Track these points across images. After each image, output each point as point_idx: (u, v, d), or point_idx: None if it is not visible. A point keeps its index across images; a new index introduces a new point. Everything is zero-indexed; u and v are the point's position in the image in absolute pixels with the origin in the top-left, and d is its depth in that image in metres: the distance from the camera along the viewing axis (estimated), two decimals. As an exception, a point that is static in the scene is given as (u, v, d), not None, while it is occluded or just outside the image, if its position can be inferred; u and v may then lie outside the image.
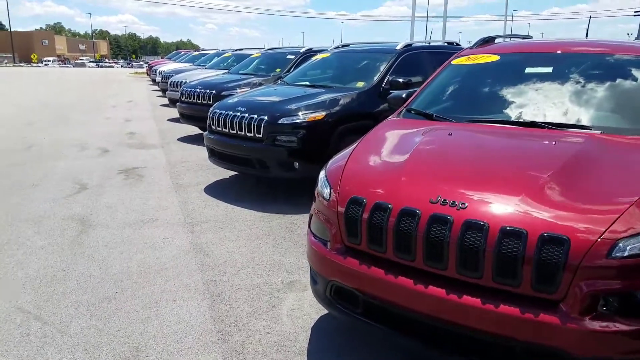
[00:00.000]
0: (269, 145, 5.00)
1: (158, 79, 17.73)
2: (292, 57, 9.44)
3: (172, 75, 13.24)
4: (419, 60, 6.13)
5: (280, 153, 4.96)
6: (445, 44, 7.01)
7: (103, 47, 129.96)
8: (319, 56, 6.83)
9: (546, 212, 1.90)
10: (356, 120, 5.27)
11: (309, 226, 2.68)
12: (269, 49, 11.25)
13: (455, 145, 2.72)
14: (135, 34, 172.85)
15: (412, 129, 3.06)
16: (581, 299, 1.76)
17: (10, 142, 8.90)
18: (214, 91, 8.75)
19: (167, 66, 18.74)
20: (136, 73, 42.24)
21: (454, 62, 3.71)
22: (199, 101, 8.96)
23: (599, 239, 1.77)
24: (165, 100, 14.23)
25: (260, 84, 8.68)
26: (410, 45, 6.21)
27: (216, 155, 5.69)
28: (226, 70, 11.02)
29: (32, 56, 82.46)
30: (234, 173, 6.37)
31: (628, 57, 3.14)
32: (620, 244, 1.75)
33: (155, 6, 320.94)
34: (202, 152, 7.97)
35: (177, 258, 3.81)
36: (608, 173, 2.18)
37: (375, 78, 5.60)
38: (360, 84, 5.67)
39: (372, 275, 2.15)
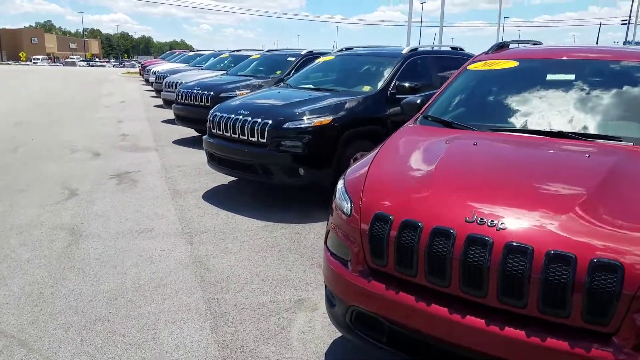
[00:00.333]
0: (272, 151, 4.75)
1: (152, 79, 17.39)
2: (293, 59, 9.18)
3: (167, 76, 12.93)
4: (424, 65, 5.94)
5: (285, 159, 4.70)
6: (450, 49, 6.82)
7: (94, 46, 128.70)
8: (323, 59, 6.60)
9: (595, 234, 1.72)
10: (363, 125, 5.04)
11: (325, 242, 2.44)
12: (268, 50, 10.99)
13: (484, 157, 2.52)
14: (127, 34, 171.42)
15: (433, 137, 2.87)
16: (636, 333, 1.58)
17: (-3, 143, 8.56)
18: (212, 93, 8.46)
19: (161, 66, 18.41)
20: (128, 73, 41.75)
21: (470, 67, 3.51)
22: (196, 103, 8.67)
23: None
24: (159, 101, 13.94)
25: (260, 86, 8.43)
26: (416, 49, 6.01)
27: (216, 160, 5.42)
28: (224, 72, 10.74)
29: (20, 54, 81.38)
30: (233, 178, 6.10)
31: None
32: None
33: (150, 6, 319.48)
34: (198, 155, 7.70)
35: (176, 273, 3.54)
36: None
37: (382, 82, 5.38)
38: (366, 88, 5.44)
39: (401, 302, 1.93)
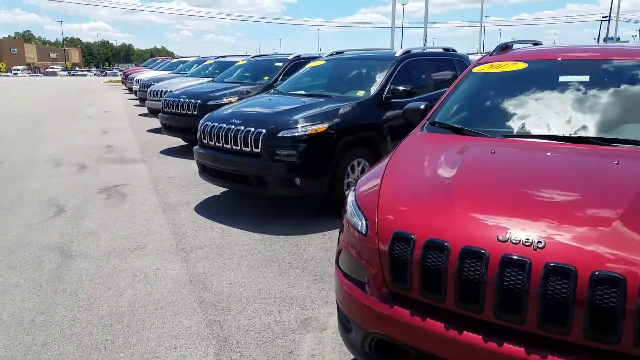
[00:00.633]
0: (267, 161, 4.61)
1: (135, 87, 17.11)
2: (280, 64, 9.08)
3: (152, 84, 12.71)
4: (418, 67, 5.86)
5: (280, 169, 4.57)
6: (443, 50, 6.75)
7: (75, 55, 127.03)
8: (313, 64, 6.48)
9: None
10: (359, 132, 4.94)
11: (337, 262, 2.30)
12: (255, 56, 10.84)
13: (505, 166, 2.36)
14: (107, 42, 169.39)
15: (444, 145, 2.74)
16: None
17: (-22, 159, 8.29)
18: (199, 101, 8.31)
19: (144, 74, 18.13)
20: (110, 82, 41.18)
21: (476, 70, 3.40)
22: (183, 111, 8.52)
23: None
24: (144, 110, 13.70)
25: (248, 93, 8.31)
26: (409, 51, 5.93)
27: (208, 172, 5.27)
28: (210, 79, 10.57)
29: (0, 65, 79.99)
30: (225, 189, 5.95)
31: None
32: None
33: (130, 14, 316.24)
34: (188, 166, 7.54)
35: (173, 293, 3.39)
36: None
37: (376, 86, 5.28)
38: (360, 93, 5.33)
39: (429, 330, 1.78)
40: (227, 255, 4.05)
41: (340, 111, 4.88)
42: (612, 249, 1.61)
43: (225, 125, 4.99)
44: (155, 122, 10.58)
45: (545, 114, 2.80)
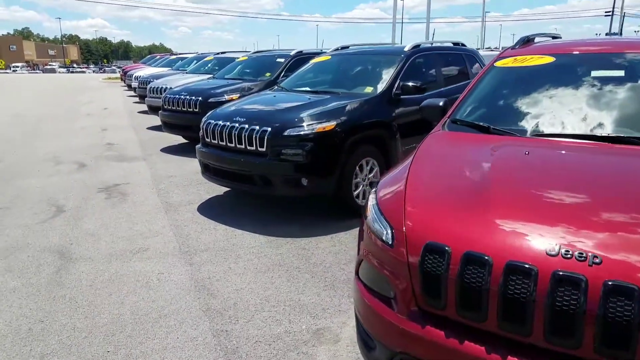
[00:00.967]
0: (272, 160, 4.45)
1: (134, 84, 16.92)
2: (282, 60, 8.90)
3: (151, 81, 12.53)
4: (428, 62, 5.69)
5: (286, 168, 4.41)
6: (452, 45, 6.57)
7: (73, 52, 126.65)
8: (318, 59, 6.30)
9: None
10: (368, 130, 4.77)
11: (357, 272, 2.12)
12: (255, 51, 10.66)
13: (543, 170, 2.14)
14: (106, 38, 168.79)
15: (471, 145, 2.56)
16: None
17: (-25, 158, 8.12)
18: (200, 98, 8.14)
19: (143, 71, 17.93)
20: (109, 78, 40.94)
21: (498, 64, 3.21)
22: (183, 109, 8.35)
23: None
24: (143, 107, 13.53)
25: (250, 89, 8.15)
26: (419, 46, 5.74)
27: (211, 171, 5.11)
28: (210, 75, 10.40)
29: (-2, 62, 79.72)
30: (228, 189, 5.79)
31: None
32: None
33: (128, 10, 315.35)
34: (189, 164, 7.38)
35: (177, 300, 3.23)
36: None
37: (385, 82, 5.11)
38: (368, 89, 5.17)
39: (467, 353, 1.61)
40: (232, 258, 3.90)
41: (348, 108, 4.71)
42: None
43: (228, 123, 4.82)
44: (155, 120, 10.42)
45: (578, 112, 2.61)
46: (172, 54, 27.15)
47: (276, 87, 6.22)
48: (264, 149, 4.50)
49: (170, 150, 8.78)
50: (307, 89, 5.70)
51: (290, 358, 2.58)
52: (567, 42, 3.35)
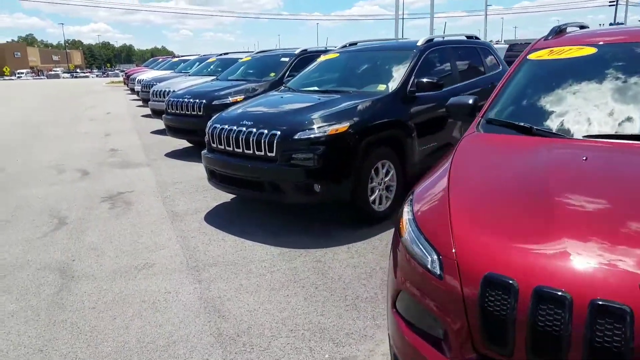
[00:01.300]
0: (283, 165, 4.19)
1: (137, 88, 16.76)
2: (287, 59, 8.65)
3: (154, 84, 12.33)
4: (443, 57, 5.40)
5: (297, 174, 4.14)
6: (465, 38, 6.27)
7: (77, 57, 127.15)
8: (326, 57, 6.03)
9: None
10: (383, 130, 4.48)
11: (394, 305, 1.82)
12: (259, 51, 10.41)
13: (610, 180, 1.84)
14: (109, 43, 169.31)
15: (516, 150, 2.26)
16: None
17: (-24, 168, 7.93)
18: (204, 100, 7.91)
19: (146, 74, 17.78)
20: (112, 82, 40.85)
21: (531, 57, 2.91)
22: (187, 112, 8.13)
23: None
24: (146, 111, 13.33)
25: (254, 90, 7.90)
26: (432, 40, 5.45)
27: (217, 178, 4.85)
28: (214, 77, 10.16)
29: (4, 69, 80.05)
30: (235, 195, 5.54)
31: None
32: None
33: (129, 14, 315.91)
34: (194, 169, 7.15)
35: (187, 324, 2.98)
36: None
37: (399, 80, 4.82)
38: (381, 87, 4.89)
39: None
40: (243, 274, 3.65)
41: (361, 108, 4.43)
42: None
43: (235, 127, 4.57)
44: (159, 123, 10.21)
45: (635, 109, 2.31)
46: (175, 56, 27.00)
47: (283, 87, 5.95)
48: (273, 154, 4.24)
49: (175, 154, 8.55)
50: (316, 88, 5.44)
51: (313, 392, 2.32)
52: (604, 31, 3.05)
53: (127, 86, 24.28)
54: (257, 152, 4.36)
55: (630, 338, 1.22)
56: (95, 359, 2.67)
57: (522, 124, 2.45)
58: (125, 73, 28.63)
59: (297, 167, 4.15)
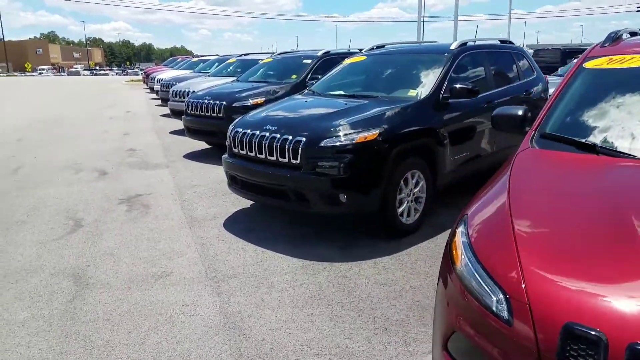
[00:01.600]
0: (307, 174, 3.99)
1: (157, 87, 16.77)
2: (309, 61, 8.47)
3: (174, 84, 12.28)
4: (477, 62, 5.16)
5: (323, 183, 3.94)
6: (499, 42, 6.01)
7: (97, 55, 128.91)
8: (352, 60, 5.81)
9: None
10: (415, 139, 4.26)
11: (446, 346, 1.60)
12: (279, 53, 10.24)
13: None
14: (128, 41, 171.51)
15: (582, 171, 2.04)
16: None
17: (-5, 165, 7.89)
18: (224, 102, 7.77)
19: (165, 74, 17.80)
20: (132, 81, 41.18)
21: (588, 65, 2.67)
22: (207, 114, 8.00)
23: None
24: (165, 110, 13.28)
25: (275, 92, 7.73)
26: (466, 44, 5.21)
27: (239, 184, 4.68)
28: (234, 78, 10.03)
29: (26, 65, 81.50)
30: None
31: None
32: None
33: (149, 13, 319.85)
34: (213, 172, 7.00)
35: (205, 342, 2.80)
36: None
37: (431, 85, 4.58)
38: (412, 93, 4.66)
39: None
40: (264, 287, 3.45)
41: (391, 115, 4.21)
42: None
43: (258, 132, 4.38)
44: (178, 123, 10.12)
45: None
46: (194, 56, 27.07)
47: (307, 90, 5.75)
48: (297, 161, 4.05)
49: (194, 156, 8.42)
50: (342, 92, 5.22)
51: None
52: None
53: (147, 85, 24.39)
54: (280, 159, 4.17)
55: None
56: (108, 378, 2.50)
57: (584, 140, 2.22)
58: (145, 72, 28.81)
59: (322, 176, 3.94)
